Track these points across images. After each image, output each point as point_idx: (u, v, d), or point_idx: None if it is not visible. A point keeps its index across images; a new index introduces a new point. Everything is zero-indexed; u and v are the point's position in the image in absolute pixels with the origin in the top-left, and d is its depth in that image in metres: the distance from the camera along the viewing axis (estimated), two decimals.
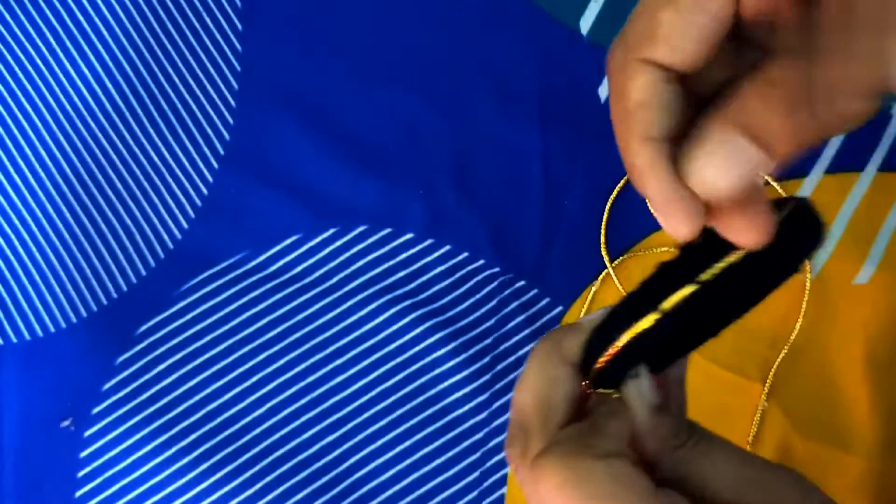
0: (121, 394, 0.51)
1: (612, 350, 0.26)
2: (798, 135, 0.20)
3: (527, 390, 0.27)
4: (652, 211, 0.23)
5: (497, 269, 0.52)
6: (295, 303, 0.51)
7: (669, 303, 0.25)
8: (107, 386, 0.51)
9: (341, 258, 0.52)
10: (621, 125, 0.22)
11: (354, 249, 0.52)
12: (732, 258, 0.24)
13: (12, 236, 0.53)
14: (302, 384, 0.51)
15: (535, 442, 0.26)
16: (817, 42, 0.19)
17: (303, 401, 0.50)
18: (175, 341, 0.51)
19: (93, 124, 0.54)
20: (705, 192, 0.21)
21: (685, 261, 0.25)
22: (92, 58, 0.54)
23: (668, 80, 0.21)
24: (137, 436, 0.50)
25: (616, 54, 0.22)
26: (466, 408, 0.50)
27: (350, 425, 0.50)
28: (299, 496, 0.49)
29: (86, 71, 0.54)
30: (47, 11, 0.55)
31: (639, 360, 0.27)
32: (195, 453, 0.50)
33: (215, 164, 0.53)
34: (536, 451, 0.25)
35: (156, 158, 0.54)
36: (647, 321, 0.25)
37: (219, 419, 0.50)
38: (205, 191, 0.53)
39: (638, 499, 0.24)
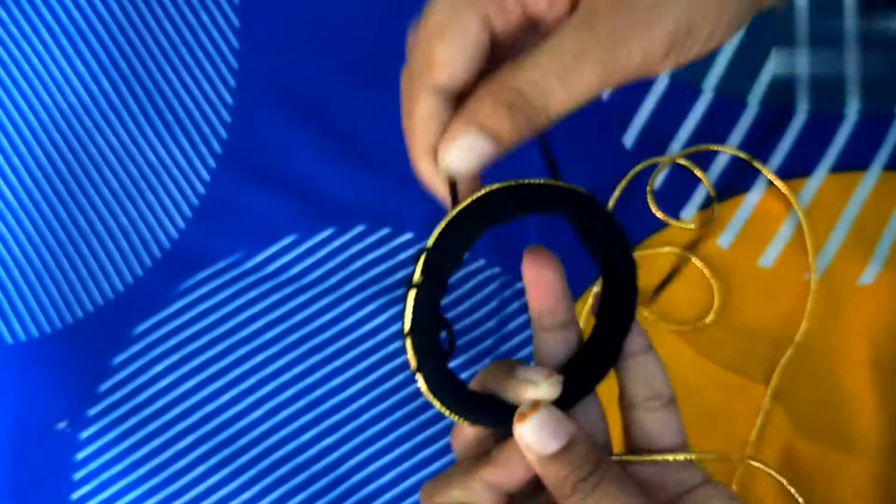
0: (117, 395, 0.50)
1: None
2: (518, 129, 0.26)
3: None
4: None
5: (498, 270, 0.51)
6: (293, 303, 0.51)
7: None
8: (103, 387, 0.50)
9: (339, 258, 0.51)
10: (411, 136, 0.28)
11: (353, 250, 0.51)
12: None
13: (8, 236, 0.52)
14: (300, 386, 0.50)
15: None
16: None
17: (301, 402, 0.50)
18: (172, 342, 0.51)
19: (88, 122, 0.53)
20: (453, 173, 0.28)
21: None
22: (88, 55, 0.54)
23: (443, 97, 0.27)
24: (134, 437, 0.49)
25: (404, 82, 0.28)
26: None
27: (349, 427, 0.49)
28: (298, 499, 0.49)
29: (82, 68, 0.54)
30: (42, 7, 0.54)
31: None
32: (192, 455, 0.49)
33: (212, 163, 0.53)
34: None
35: (152, 156, 0.53)
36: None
37: (216, 421, 0.50)
38: (201, 189, 0.53)
39: None
